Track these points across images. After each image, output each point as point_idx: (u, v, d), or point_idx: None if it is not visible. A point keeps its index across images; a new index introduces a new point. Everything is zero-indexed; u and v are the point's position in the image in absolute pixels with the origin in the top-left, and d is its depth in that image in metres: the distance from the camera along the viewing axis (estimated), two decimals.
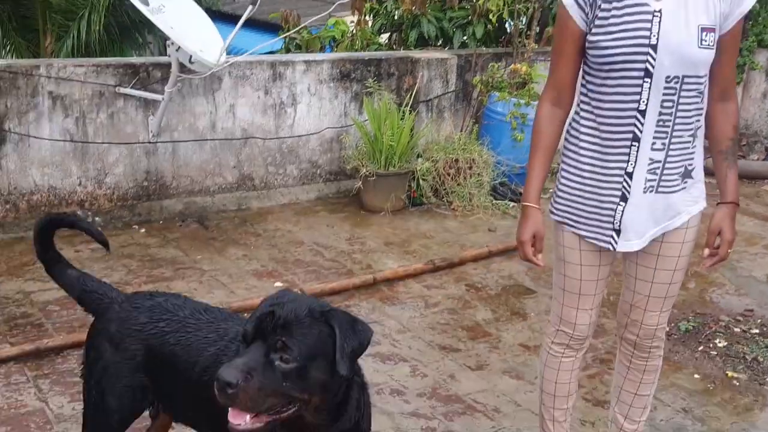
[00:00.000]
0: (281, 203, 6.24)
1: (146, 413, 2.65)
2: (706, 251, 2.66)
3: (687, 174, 2.59)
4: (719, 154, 2.63)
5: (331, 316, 1.97)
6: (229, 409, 1.88)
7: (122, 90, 5.48)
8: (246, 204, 6.13)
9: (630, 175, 2.54)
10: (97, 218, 5.48)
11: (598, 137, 2.57)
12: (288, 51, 7.64)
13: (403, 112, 6.23)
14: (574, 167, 2.64)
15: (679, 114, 2.49)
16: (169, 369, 2.42)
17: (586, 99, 2.60)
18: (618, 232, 2.60)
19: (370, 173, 6.02)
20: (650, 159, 2.52)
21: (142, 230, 5.49)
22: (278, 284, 4.72)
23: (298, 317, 1.92)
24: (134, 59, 6.01)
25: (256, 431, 1.90)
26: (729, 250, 2.63)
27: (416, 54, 6.79)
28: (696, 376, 3.95)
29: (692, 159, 2.59)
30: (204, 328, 2.44)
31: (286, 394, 1.88)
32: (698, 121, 2.57)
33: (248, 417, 1.88)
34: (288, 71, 6.18)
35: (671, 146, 2.52)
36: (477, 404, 3.58)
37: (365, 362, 3.82)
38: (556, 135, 2.67)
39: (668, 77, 2.44)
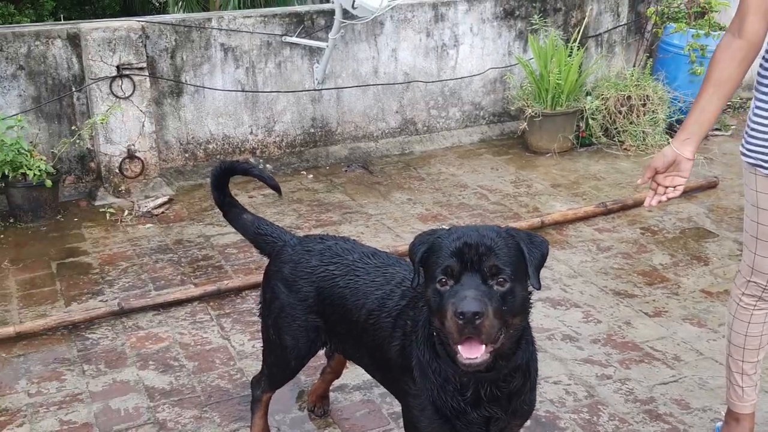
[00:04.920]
0: (444, 146, 6.19)
1: (322, 353, 2.73)
2: None
3: None
4: None
5: (514, 233, 2.01)
6: (460, 346, 1.89)
7: (288, 39, 5.59)
8: (409, 148, 6.13)
9: None
10: (267, 165, 5.68)
11: None
12: None
13: (571, 48, 5.96)
14: None
15: None
16: (338, 311, 2.46)
17: None
18: None
19: (535, 113, 5.83)
20: None
21: (310, 176, 5.63)
22: (445, 227, 4.69)
23: (495, 241, 1.93)
24: (299, 8, 6.10)
25: (484, 364, 1.92)
26: None
27: None
28: None
29: None
30: (372, 272, 2.46)
31: (503, 318, 1.90)
32: None
33: (483, 348, 1.89)
34: (450, 12, 6.05)
35: None
36: (655, 352, 3.41)
37: (535, 307, 3.74)
38: (729, 67, 2.36)
39: None
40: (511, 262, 1.92)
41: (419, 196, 5.25)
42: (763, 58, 2.42)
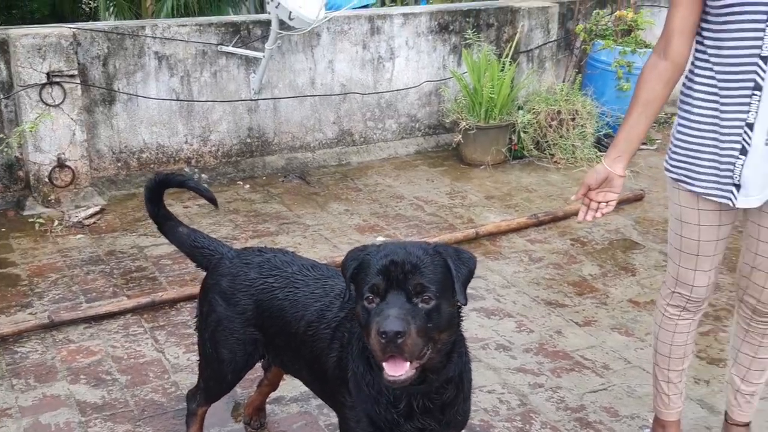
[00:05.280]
0: (380, 158, 6.24)
1: (259, 365, 2.72)
2: None
3: None
4: None
5: (442, 250, 2.05)
6: (385, 363, 1.93)
7: (224, 48, 5.56)
8: (346, 159, 6.16)
9: (750, 126, 2.36)
10: (203, 175, 5.62)
11: (715, 87, 2.40)
12: (383, 4, 7.57)
13: (503, 63, 6.09)
14: (690, 120, 2.48)
15: None
16: (277, 323, 2.47)
17: (701, 48, 2.43)
18: (738, 187, 2.44)
19: (469, 126, 5.93)
20: None
21: (246, 186, 5.60)
22: (380, 238, 4.74)
23: (421, 259, 1.96)
24: (235, 17, 6.08)
25: (409, 380, 1.95)
26: None
27: (516, 3, 6.59)
28: None
29: None
30: (311, 284, 2.48)
31: (429, 335, 1.93)
32: None
33: (407, 365, 1.92)
34: (386, 25, 6.12)
35: None
36: (585, 360, 3.51)
37: (469, 317, 3.81)
38: (656, 88, 2.45)
39: None
40: (436, 279, 1.95)
41: (356, 207, 5.28)
42: (686, 77, 2.53)
